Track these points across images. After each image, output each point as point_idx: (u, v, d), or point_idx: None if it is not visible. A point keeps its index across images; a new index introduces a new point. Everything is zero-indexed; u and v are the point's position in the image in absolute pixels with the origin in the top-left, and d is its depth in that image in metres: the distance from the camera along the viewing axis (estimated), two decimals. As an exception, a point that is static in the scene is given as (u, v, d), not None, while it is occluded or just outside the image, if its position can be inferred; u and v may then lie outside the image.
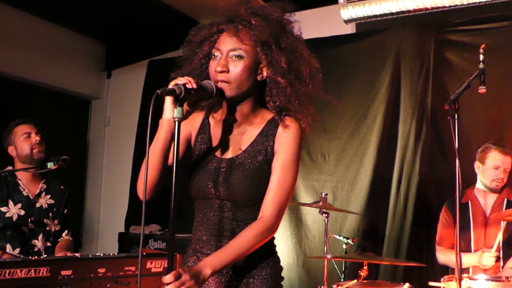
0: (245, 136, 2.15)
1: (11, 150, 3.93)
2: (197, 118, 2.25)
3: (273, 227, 2.06)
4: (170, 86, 1.90)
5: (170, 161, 2.13)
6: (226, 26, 2.11)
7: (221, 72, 2.04)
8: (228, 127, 2.19)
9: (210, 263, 1.94)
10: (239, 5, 2.14)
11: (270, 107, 2.15)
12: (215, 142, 2.20)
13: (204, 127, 2.25)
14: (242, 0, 2.17)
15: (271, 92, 2.12)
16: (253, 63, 2.08)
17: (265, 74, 2.11)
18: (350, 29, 5.74)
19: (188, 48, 2.21)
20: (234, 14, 2.12)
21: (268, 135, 2.12)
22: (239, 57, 2.06)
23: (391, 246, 5.05)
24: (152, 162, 2.07)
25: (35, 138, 3.91)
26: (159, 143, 2.05)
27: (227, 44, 2.07)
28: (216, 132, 2.22)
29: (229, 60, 2.05)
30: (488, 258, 3.86)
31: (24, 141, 3.90)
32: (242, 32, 2.06)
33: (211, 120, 2.26)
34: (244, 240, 2.00)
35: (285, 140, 2.10)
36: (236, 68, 2.05)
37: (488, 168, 4.13)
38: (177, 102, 1.88)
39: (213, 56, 2.09)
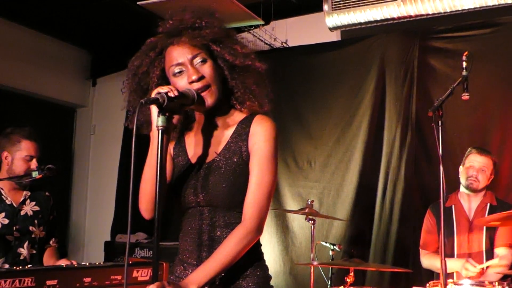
0: (219, 139, 2.14)
1: (4, 156, 3.81)
2: (173, 134, 2.23)
3: (256, 229, 2.02)
4: (153, 95, 1.90)
5: (168, 177, 2.14)
6: (170, 40, 2.08)
7: (199, 79, 2.03)
8: (202, 134, 2.19)
9: (194, 279, 1.92)
10: (181, 13, 2.12)
11: (233, 101, 2.16)
12: (191, 151, 2.20)
13: (179, 140, 2.25)
14: (180, 9, 2.15)
15: (231, 84, 2.14)
16: (214, 61, 2.10)
17: (226, 70, 2.12)
18: (335, 36, 5.78)
19: (135, 82, 2.19)
20: (180, 24, 2.09)
21: (241, 134, 2.11)
22: (203, 61, 2.06)
23: (377, 251, 5.07)
24: (151, 177, 2.01)
25: (34, 164, 3.79)
26: (154, 156, 1.98)
27: (185, 54, 2.05)
28: (191, 142, 2.22)
29: (196, 67, 2.05)
30: (471, 270, 3.88)
31: (23, 161, 3.79)
32: (195, 36, 2.06)
33: (186, 132, 2.26)
34: (226, 250, 1.97)
35: (259, 138, 2.08)
36: (207, 71, 2.06)
37: (465, 168, 4.21)
38: (161, 110, 1.87)
39: (177, 74, 2.06)
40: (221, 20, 2.17)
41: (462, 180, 4.24)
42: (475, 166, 4.17)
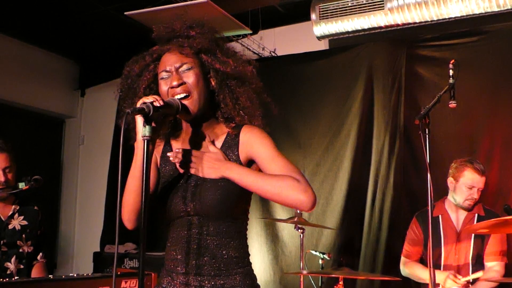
0: (208, 149, 2.14)
1: None
2: (160, 145, 2.25)
3: (309, 191, 1.99)
4: (138, 105, 1.90)
5: (152, 188, 2.14)
6: (165, 47, 2.13)
7: (179, 85, 2.05)
8: (190, 145, 2.18)
9: (230, 163, 2.06)
10: (173, 21, 2.17)
11: (220, 115, 2.17)
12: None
13: (166, 150, 2.24)
14: (173, 18, 2.19)
15: (219, 98, 2.15)
16: (202, 72, 2.12)
17: (213, 82, 2.14)
18: (323, 45, 5.80)
19: (127, 83, 2.22)
20: (171, 31, 2.15)
21: (231, 145, 2.13)
22: (189, 68, 2.08)
23: (367, 260, 5.06)
24: (135, 188, 2.03)
25: (3, 178, 3.72)
26: (138, 166, 2.00)
27: (173, 62, 2.09)
28: None
29: (181, 74, 2.07)
30: (456, 282, 3.85)
31: None
32: (184, 45, 2.10)
33: (173, 143, 2.25)
34: (271, 174, 2.03)
35: (254, 141, 2.11)
36: (190, 78, 2.08)
37: (462, 187, 4.06)
38: (147, 120, 1.87)
39: (162, 78, 2.10)
40: (214, 32, 2.19)
41: (458, 198, 4.08)
42: (476, 187, 4.04)
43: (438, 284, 3.90)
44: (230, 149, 2.13)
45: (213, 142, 2.15)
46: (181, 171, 2.12)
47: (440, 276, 3.90)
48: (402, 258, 4.32)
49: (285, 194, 1.99)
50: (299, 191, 1.98)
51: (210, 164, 2.07)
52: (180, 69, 2.08)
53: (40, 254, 3.94)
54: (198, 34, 2.12)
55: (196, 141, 2.18)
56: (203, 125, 2.17)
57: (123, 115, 1.85)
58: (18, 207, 3.86)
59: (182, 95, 2.05)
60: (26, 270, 3.83)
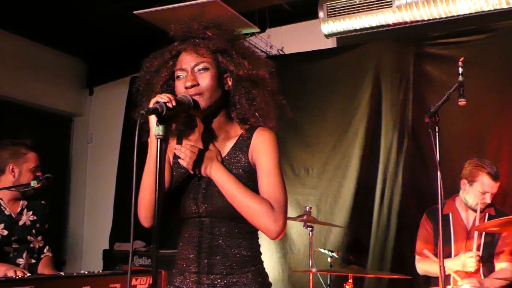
0: (220, 151, 2.16)
1: (10, 169, 3.78)
2: (172, 143, 2.24)
3: (282, 218, 2.03)
4: (151, 105, 1.92)
5: (167, 185, 2.15)
6: (182, 46, 2.14)
7: (192, 86, 2.05)
8: (203, 145, 2.18)
9: (219, 164, 2.07)
10: (190, 21, 2.18)
11: (235, 116, 2.17)
12: None
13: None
14: (191, 17, 2.20)
15: (235, 99, 2.15)
16: (218, 72, 2.12)
17: (230, 82, 2.15)
18: (331, 43, 5.80)
19: (144, 80, 2.24)
20: (187, 31, 2.16)
21: (241, 147, 2.14)
22: (205, 69, 2.09)
23: (375, 258, 5.06)
24: (151, 185, 2.01)
25: (39, 173, 3.83)
26: (152, 161, 2.01)
27: (189, 61, 2.09)
28: None
29: (196, 75, 2.08)
30: (469, 259, 3.85)
31: (31, 172, 3.81)
32: (200, 45, 2.11)
33: (185, 142, 2.25)
34: (252, 193, 2.03)
35: (262, 148, 2.11)
36: (205, 80, 2.08)
37: (476, 191, 4.03)
38: (160, 120, 1.89)
39: (178, 77, 2.11)
40: (231, 32, 2.20)
41: (471, 201, 4.06)
42: (489, 192, 4.01)
43: (449, 279, 3.89)
44: (241, 150, 2.14)
45: (225, 142, 2.17)
46: (185, 165, 2.13)
47: (454, 262, 3.92)
48: (416, 256, 4.29)
49: (256, 217, 2.02)
50: (269, 220, 2.01)
51: (201, 161, 2.10)
52: (196, 68, 2.08)
53: (47, 247, 3.96)
54: (214, 35, 2.13)
55: (208, 141, 2.18)
56: (217, 125, 2.17)
57: (137, 114, 1.86)
58: (26, 203, 3.89)
59: (196, 97, 2.06)
60: (37, 265, 3.85)
